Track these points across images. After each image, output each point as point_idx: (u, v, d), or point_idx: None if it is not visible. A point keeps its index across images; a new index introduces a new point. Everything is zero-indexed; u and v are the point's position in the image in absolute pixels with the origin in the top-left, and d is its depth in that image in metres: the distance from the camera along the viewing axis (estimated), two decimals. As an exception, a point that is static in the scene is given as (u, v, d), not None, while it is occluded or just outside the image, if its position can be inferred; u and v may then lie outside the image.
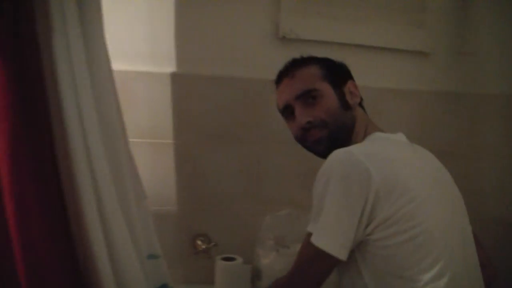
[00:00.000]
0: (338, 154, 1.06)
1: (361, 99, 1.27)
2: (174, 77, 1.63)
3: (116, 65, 1.22)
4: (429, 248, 1.03)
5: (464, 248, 1.12)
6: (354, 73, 1.30)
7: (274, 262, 1.57)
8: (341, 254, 1.04)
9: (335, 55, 1.31)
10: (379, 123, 1.25)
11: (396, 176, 1.04)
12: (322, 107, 1.19)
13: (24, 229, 0.89)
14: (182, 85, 1.64)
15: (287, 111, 1.26)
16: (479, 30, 1.80)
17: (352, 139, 1.21)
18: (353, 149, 1.07)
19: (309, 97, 1.20)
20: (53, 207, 0.98)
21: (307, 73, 1.24)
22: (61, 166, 1.02)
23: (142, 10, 1.61)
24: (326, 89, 1.22)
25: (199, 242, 1.66)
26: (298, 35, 1.68)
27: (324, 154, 1.14)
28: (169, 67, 1.63)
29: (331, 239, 1.05)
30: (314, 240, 1.06)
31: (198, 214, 1.68)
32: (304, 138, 1.22)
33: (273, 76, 1.46)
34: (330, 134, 1.19)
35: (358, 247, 1.07)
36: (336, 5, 1.71)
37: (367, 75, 1.51)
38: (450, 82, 1.83)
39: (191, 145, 1.67)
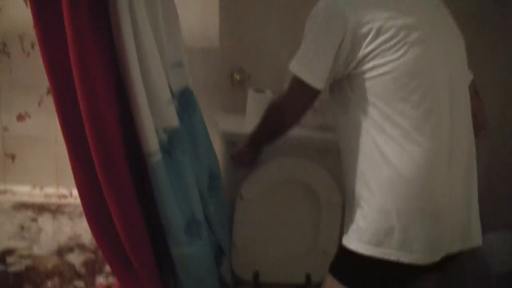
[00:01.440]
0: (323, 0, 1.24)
1: None
2: None
3: None
4: (406, 81, 1.17)
5: (452, 92, 1.23)
6: None
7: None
8: (316, 83, 1.24)
9: None
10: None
11: (373, 17, 1.18)
12: None
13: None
14: None
15: None
16: None
17: None
18: None
19: None
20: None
21: None
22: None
23: None
24: None
25: (236, 75, 1.91)
26: None
27: None
28: None
29: (308, 68, 1.25)
30: (292, 67, 1.27)
31: (237, 51, 1.91)
32: None
33: None
34: None
35: (349, 82, 1.25)
36: None
37: None
38: None
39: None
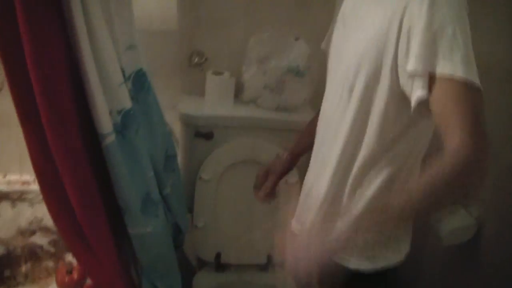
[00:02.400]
0: None
1: None
2: None
3: None
4: None
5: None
6: None
7: (254, 76, 1.84)
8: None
9: None
10: None
11: None
12: None
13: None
14: None
15: None
16: None
17: None
18: None
19: None
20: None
21: None
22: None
23: None
24: None
25: (194, 57, 1.92)
26: None
27: None
28: None
29: (474, 68, 0.88)
30: (457, 71, 0.86)
31: (195, 33, 1.91)
32: None
33: None
34: None
35: None
36: None
37: None
38: None
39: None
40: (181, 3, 1.87)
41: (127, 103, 1.36)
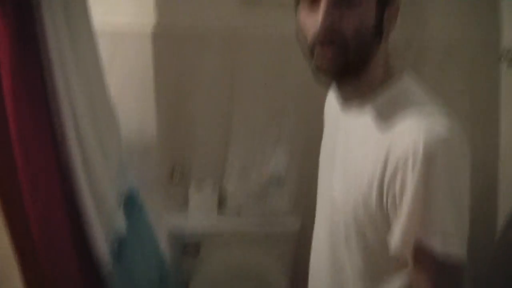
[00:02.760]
0: (451, 132, 0.86)
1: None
2: (155, 32, 1.89)
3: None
4: None
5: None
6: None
7: (237, 187, 1.89)
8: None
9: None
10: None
11: None
12: (356, 18, 0.89)
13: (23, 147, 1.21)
14: (162, 40, 1.90)
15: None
16: None
17: (367, 76, 0.96)
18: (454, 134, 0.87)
19: None
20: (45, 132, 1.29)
21: None
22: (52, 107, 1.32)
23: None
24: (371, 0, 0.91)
25: (175, 171, 1.95)
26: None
27: (329, 74, 0.94)
28: (151, 24, 1.89)
29: (462, 239, 0.86)
30: (437, 245, 0.84)
31: (175, 147, 1.96)
32: (313, 45, 0.92)
33: (240, 30, 1.83)
34: (344, 61, 0.91)
35: None
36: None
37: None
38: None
39: (171, 91, 1.94)
40: (160, 119, 1.94)
41: (122, 226, 1.37)
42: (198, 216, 1.88)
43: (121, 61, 1.85)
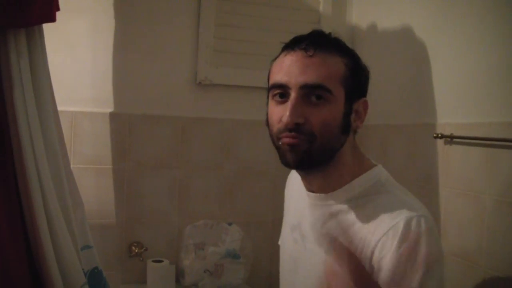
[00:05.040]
0: (429, 233, 0.93)
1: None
2: (112, 116, 2.02)
3: (65, 107, 1.62)
4: None
5: None
6: (259, 110, 1.27)
7: (193, 262, 1.96)
8: None
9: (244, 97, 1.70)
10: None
11: None
12: (322, 115, 0.96)
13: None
14: (119, 122, 2.03)
15: (278, 91, 1.00)
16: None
17: (336, 166, 1.03)
18: (428, 215, 0.97)
19: (315, 94, 0.96)
20: (13, 210, 1.36)
21: (330, 63, 0.98)
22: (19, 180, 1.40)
23: (87, 62, 2.01)
24: (338, 96, 0.98)
25: (133, 248, 2.03)
26: (212, 81, 2.11)
27: (290, 163, 1.00)
28: (108, 108, 2.02)
29: None
30: None
31: (133, 225, 2.04)
32: (280, 134, 0.99)
33: (193, 114, 1.91)
34: (310, 150, 0.97)
35: None
36: (242, 56, 2.16)
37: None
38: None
39: (127, 170, 2.05)
40: (118, 198, 2.02)
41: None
42: (156, 290, 1.93)
43: (78, 140, 1.97)
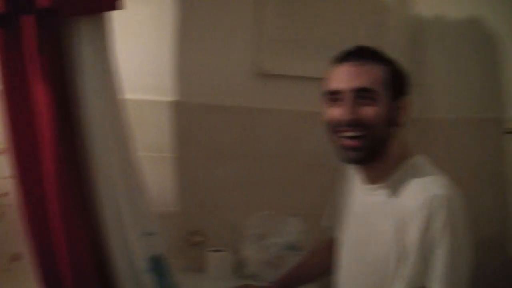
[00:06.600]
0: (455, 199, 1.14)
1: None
2: (175, 104, 2.03)
3: (128, 95, 1.63)
4: None
5: None
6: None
7: (254, 253, 1.95)
8: None
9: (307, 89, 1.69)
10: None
11: None
12: (371, 112, 1.18)
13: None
14: (181, 111, 2.03)
15: (333, 96, 1.22)
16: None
17: (384, 158, 1.24)
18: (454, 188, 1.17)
19: (366, 96, 1.18)
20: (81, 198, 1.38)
21: (375, 70, 1.20)
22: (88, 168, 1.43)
23: (150, 50, 2.02)
24: (383, 96, 1.19)
25: (193, 237, 2.03)
26: (274, 72, 2.09)
27: (353, 160, 1.24)
28: (171, 97, 2.03)
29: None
30: None
31: (194, 214, 2.05)
32: (337, 133, 1.22)
33: (254, 104, 1.88)
34: (366, 146, 1.20)
35: None
36: (306, 45, 2.12)
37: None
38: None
39: (190, 159, 2.05)
40: (179, 186, 2.03)
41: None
42: (214, 279, 1.94)
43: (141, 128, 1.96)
